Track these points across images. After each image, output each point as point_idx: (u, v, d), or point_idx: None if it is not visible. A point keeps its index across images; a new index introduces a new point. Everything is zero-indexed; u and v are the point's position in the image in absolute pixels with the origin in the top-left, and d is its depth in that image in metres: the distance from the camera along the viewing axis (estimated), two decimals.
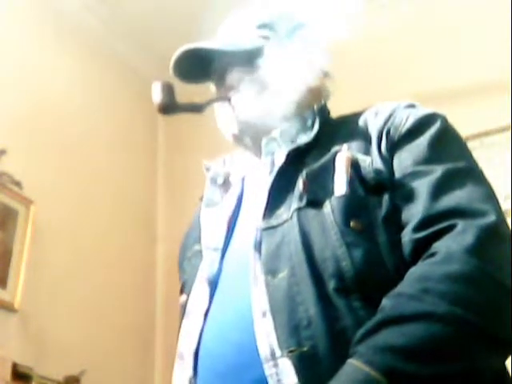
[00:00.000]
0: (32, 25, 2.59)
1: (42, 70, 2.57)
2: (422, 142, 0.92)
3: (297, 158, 0.98)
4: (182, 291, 1.07)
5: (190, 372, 0.94)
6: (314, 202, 0.91)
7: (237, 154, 1.15)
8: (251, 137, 1.06)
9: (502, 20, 2.43)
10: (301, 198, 0.92)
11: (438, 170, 0.88)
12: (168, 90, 1.04)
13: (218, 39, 1.11)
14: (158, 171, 3.17)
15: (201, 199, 1.12)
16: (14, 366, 2.03)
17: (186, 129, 2.96)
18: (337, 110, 1.11)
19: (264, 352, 0.84)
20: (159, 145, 3.23)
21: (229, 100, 1.06)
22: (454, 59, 2.57)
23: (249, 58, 1.06)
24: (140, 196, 3.00)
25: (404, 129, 0.94)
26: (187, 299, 1.02)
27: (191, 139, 3.04)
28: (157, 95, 1.04)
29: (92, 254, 2.57)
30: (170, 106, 1.04)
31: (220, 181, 1.11)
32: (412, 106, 1.00)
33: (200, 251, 1.04)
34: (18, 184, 2.29)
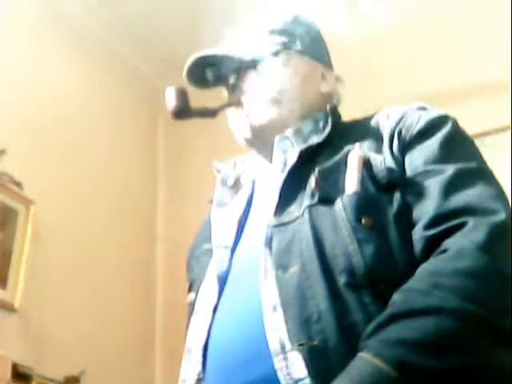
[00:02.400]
0: (32, 25, 2.58)
1: (43, 70, 2.57)
2: (434, 142, 0.93)
3: (309, 157, 0.99)
4: (189, 290, 1.08)
5: (199, 367, 0.95)
6: (326, 199, 0.92)
7: (248, 156, 1.16)
8: (263, 141, 1.07)
9: (502, 20, 2.44)
10: (312, 196, 0.93)
11: (449, 170, 0.89)
12: (182, 95, 1.05)
13: (230, 45, 1.12)
14: (158, 171, 3.17)
15: (210, 202, 1.13)
16: (14, 366, 2.02)
17: (186, 129, 2.95)
18: (340, 110, 1.11)
19: (274, 345, 0.84)
20: (159, 145, 3.23)
21: (241, 105, 1.07)
22: (454, 59, 2.57)
23: (261, 64, 1.07)
24: (140, 196, 3.00)
25: (415, 130, 0.96)
26: (196, 297, 1.03)
27: (191, 139, 3.04)
28: (171, 100, 1.04)
29: (92, 253, 2.57)
30: (183, 111, 1.05)
31: (230, 182, 1.12)
32: (423, 108, 1.01)
33: (209, 250, 1.05)
34: (18, 184, 2.29)
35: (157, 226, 3.05)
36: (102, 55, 2.94)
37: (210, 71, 1.10)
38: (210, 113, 1.08)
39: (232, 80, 1.09)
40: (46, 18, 2.67)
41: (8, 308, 2.14)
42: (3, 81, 2.36)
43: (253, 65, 1.07)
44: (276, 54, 1.08)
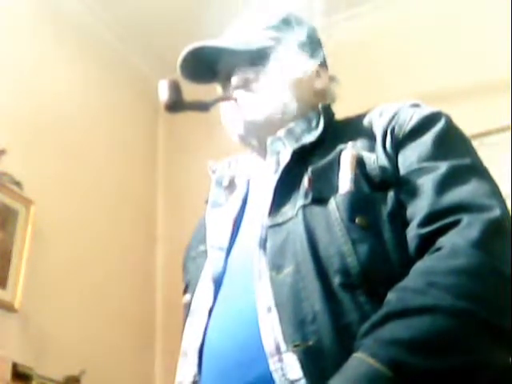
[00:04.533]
0: (32, 25, 2.59)
1: (42, 70, 2.57)
2: (427, 139, 0.93)
3: (302, 157, 0.98)
4: (185, 291, 1.08)
5: (195, 369, 0.95)
6: (320, 199, 0.91)
7: (242, 155, 1.15)
8: (257, 137, 1.07)
9: (501, 20, 2.44)
10: (306, 196, 0.92)
11: (442, 167, 0.89)
12: (175, 87, 1.04)
13: (225, 39, 1.11)
14: (158, 171, 3.17)
15: (206, 202, 1.12)
16: (14, 366, 2.02)
17: (186, 129, 2.96)
18: (338, 110, 1.11)
19: (269, 347, 0.84)
20: (159, 145, 3.23)
21: (235, 100, 1.06)
22: (454, 59, 2.57)
23: (256, 59, 1.07)
24: (140, 196, 3.00)
25: (408, 127, 0.95)
26: (191, 298, 1.03)
27: (191, 139, 3.04)
28: (163, 93, 1.03)
29: (92, 254, 2.57)
30: (176, 104, 1.04)
31: (225, 183, 1.12)
32: (416, 105, 1.01)
33: (205, 251, 1.05)
34: (18, 184, 2.29)
35: (157, 226, 3.05)
36: (101, 55, 2.95)
37: (204, 65, 1.09)
38: (203, 106, 1.07)
39: (225, 74, 1.09)
40: (46, 17, 2.67)
41: (8, 308, 2.14)
42: (3, 81, 2.36)
43: (247, 59, 1.07)
44: (270, 49, 1.07)
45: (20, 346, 2.15)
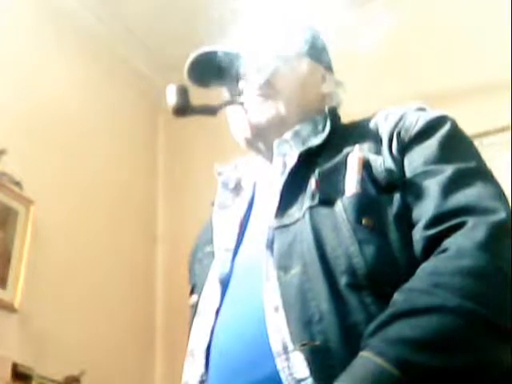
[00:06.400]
0: (32, 25, 2.59)
1: (42, 70, 2.57)
2: (433, 143, 0.94)
3: (308, 159, 0.99)
4: (192, 292, 1.09)
5: (202, 369, 0.95)
6: (326, 200, 0.92)
7: (248, 158, 1.16)
8: (264, 141, 1.08)
9: (502, 20, 2.44)
10: (313, 197, 0.93)
11: (448, 170, 0.90)
12: (183, 92, 1.05)
13: (231, 43, 1.12)
14: (158, 171, 3.18)
15: (212, 204, 1.13)
16: (14, 366, 2.03)
17: (186, 129, 2.96)
18: (339, 111, 1.12)
19: (276, 346, 0.85)
20: (159, 145, 3.23)
21: (242, 104, 1.07)
22: (454, 59, 2.57)
23: (262, 63, 1.07)
24: (140, 196, 3.00)
25: (414, 131, 0.96)
26: (198, 299, 1.03)
27: (191, 139, 3.05)
28: (171, 97, 1.04)
29: (92, 254, 2.57)
30: (184, 109, 1.05)
31: (231, 185, 1.13)
32: (422, 108, 1.02)
33: (211, 252, 1.06)
34: (18, 184, 2.29)
35: (157, 226, 3.05)
36: (101, 55, 2.95)
37: (211, 69, 1.10)
38: (211, 111, 1.08)
39: (232, 78, 1.09)
40: (46, 17, 2.67)
41: (8, 308, 2.14)
42: (3, 81, 2.36)
43: (253, 64, 1.07)
44: (277, 53, 1.08)
45: (20, 346, 2.15)
